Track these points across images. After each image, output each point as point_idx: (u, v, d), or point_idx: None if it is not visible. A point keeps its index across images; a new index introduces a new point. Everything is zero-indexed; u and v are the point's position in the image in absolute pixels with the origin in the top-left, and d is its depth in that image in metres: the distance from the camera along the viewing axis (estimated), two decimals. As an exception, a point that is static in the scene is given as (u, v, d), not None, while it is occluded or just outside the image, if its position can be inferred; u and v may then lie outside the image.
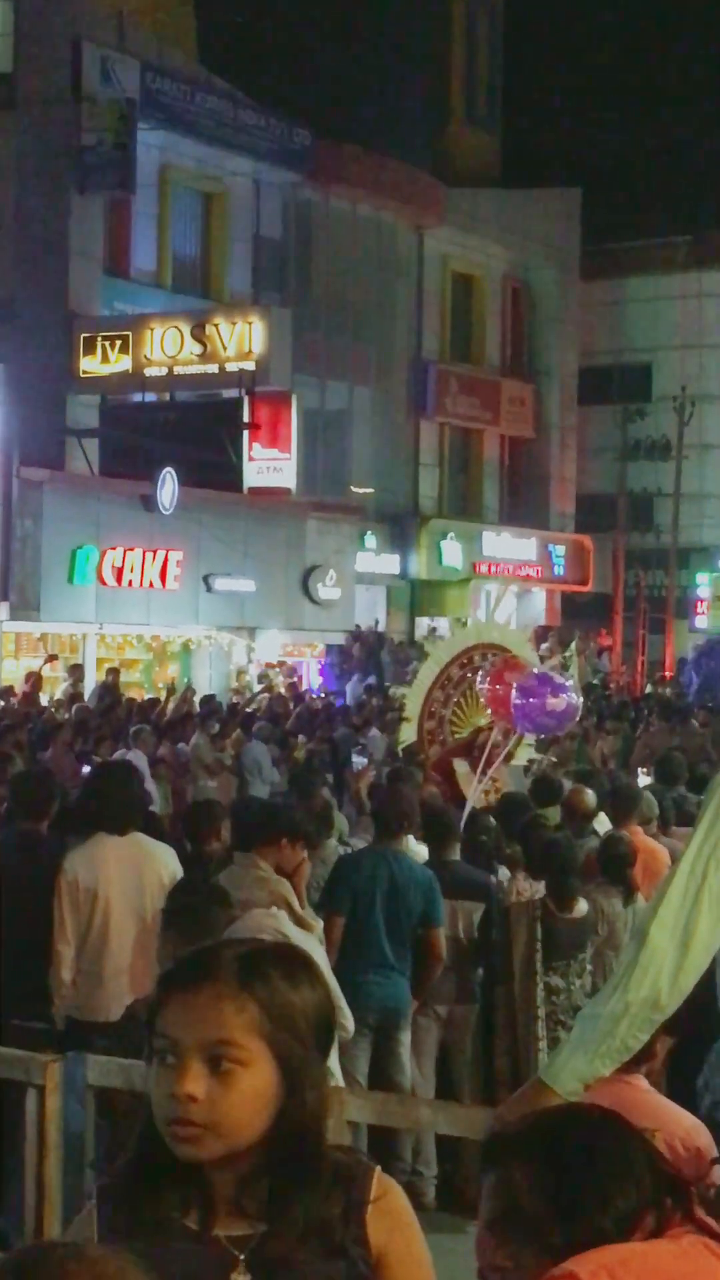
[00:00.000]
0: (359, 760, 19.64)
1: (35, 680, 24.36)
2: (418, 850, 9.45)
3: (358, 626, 34.85)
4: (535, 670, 12.78)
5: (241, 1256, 2.50)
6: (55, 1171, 5.51)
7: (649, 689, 35.11)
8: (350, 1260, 2.55)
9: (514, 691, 12.03)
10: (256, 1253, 2.50)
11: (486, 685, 13.23)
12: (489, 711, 13.57)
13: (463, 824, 10.38)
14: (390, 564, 40.01)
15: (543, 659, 16.72)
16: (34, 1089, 5.55)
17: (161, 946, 6.14)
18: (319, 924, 7.43)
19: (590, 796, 10.79)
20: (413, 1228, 2.65)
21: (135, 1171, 2.55)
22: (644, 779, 14.23)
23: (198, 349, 31.32)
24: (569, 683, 12.23)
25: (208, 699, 24.54)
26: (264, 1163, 2.50)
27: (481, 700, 13.76)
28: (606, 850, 9.30)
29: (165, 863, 7.86)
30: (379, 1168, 2.64)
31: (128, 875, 7.67)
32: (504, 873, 9.83)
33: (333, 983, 6.37)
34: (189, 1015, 2.49)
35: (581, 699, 11.86)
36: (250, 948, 2.61)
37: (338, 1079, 6.26)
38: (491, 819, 10.93)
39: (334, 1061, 5.88)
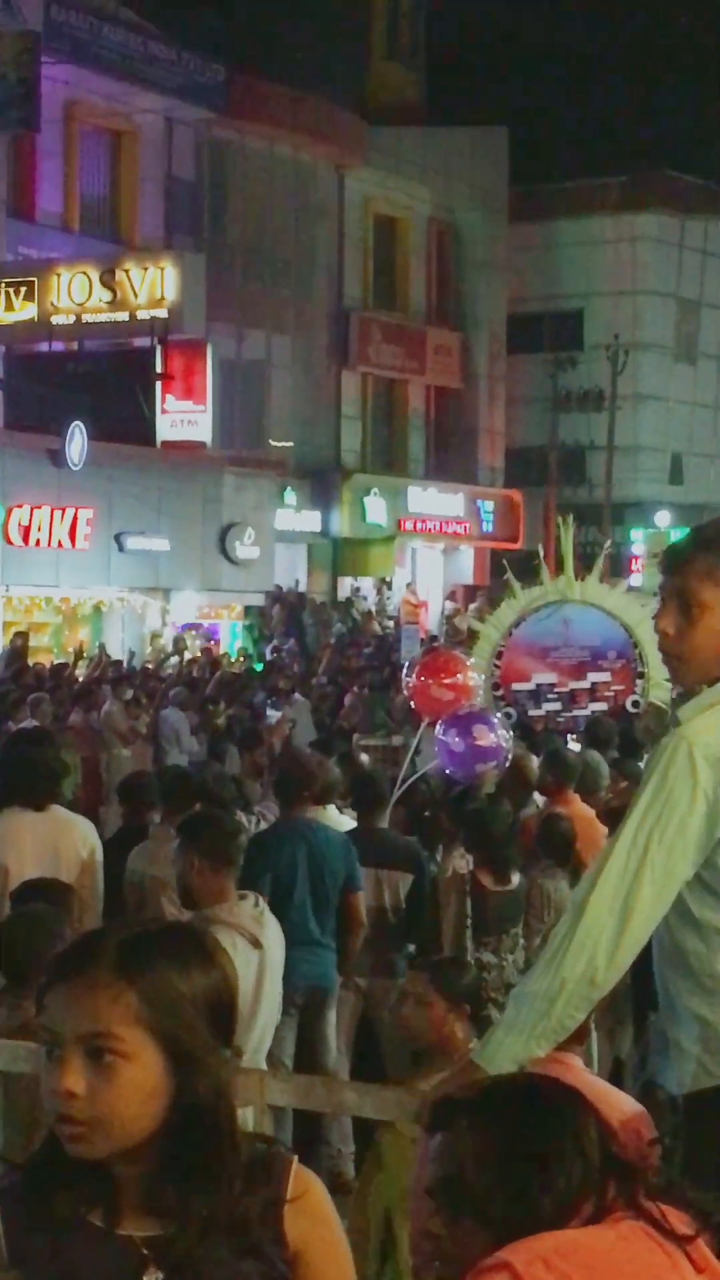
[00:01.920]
0: (272, 714, 19.35)
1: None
2: (339, 820, 9.36)
3: (278, 587, 34.89)
4: (466, 706, 11.52)
5: (149, 1255, 2.47)
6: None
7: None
8: (266, 1259, 2.52)
9: (439, 728, 11.26)
10: (166, 1252, 2.47)
11: (412, 678, 12.52)
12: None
13: (396, 796, 10.40)
14: (311, 521, 39.75)
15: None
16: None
17: None
18: None
19: (534, 764, 10.56)
20: (332, 1225, 2.61)
21: (39, 1168, 2.52)
22: (574, 744, 13.95)
23: (107, 296, 31.35)
24: (498, 718, 11.43)
25: (117, 663, 24.43)
26: (168, 1157, 2.46)
27: None
28: (546, 831, 8.99)
29: (85, 837, 7.75)
30: (296, 1159, 2.60)
31: (44, 851, 7.51)
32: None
33: (273, 966, 6.57)
34: (67, 1007, 2.44)
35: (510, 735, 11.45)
36: (135, 932, 2.51)
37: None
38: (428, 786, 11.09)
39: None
